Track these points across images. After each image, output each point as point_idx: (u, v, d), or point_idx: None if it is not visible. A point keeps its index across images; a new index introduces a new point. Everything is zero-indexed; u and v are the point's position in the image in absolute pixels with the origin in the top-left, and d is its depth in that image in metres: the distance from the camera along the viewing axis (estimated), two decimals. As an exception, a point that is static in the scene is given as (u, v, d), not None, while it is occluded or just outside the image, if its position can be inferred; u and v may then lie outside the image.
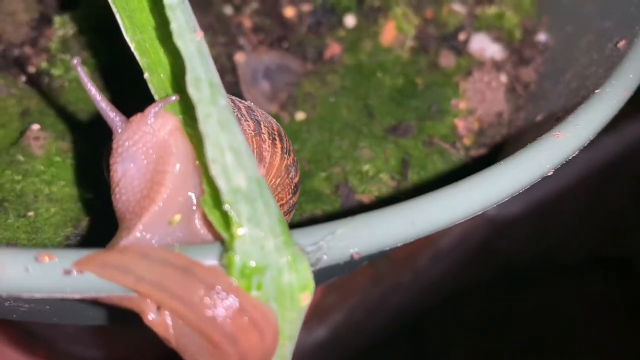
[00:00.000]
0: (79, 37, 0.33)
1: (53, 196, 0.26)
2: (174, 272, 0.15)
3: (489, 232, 0.87)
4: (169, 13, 0.16)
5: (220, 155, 0.15)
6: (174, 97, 0.17)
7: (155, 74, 0.18)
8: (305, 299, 0.16)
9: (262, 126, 0.21)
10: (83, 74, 0.18)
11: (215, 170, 0.15)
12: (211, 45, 0.35)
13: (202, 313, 0.15)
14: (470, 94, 0.33)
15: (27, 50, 0.33)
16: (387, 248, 0.18)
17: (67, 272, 0.15)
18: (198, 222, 0.17)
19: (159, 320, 0.16)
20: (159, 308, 0.16)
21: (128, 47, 0.19)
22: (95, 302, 0.17)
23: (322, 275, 0.24)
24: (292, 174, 0.22)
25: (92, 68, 0.32)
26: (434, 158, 0.30)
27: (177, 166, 0.17)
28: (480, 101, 0.33)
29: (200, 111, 0.16)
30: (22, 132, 0.28)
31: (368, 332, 0.85)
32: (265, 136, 0.21)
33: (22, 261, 0.15)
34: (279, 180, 0.21)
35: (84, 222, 0.26)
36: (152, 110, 0.17)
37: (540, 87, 0.35)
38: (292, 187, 0.23)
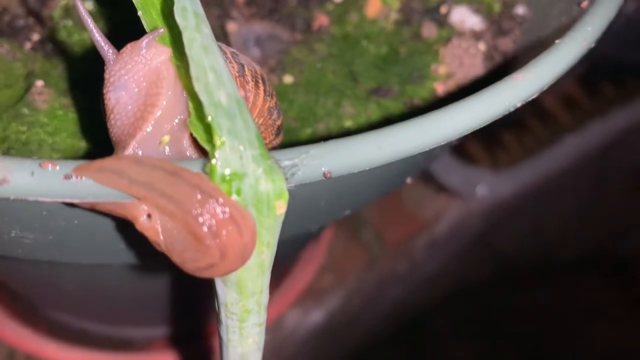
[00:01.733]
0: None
1: (56, 146, 0.28)
2: (164, 174, 0.17)
3: (484, 225, 0.88)
4: (159, -48, 0.18)
5: (203, 75, 0.17)
6: (162, 30, 0.19)
7: (147, 12, 0.20)
8: (280, 207, 0.18)
9: (245, 69, 0.23)
10: (81, 8, 0.20)
11: (198, 87, 0.17)
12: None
13: (187, 209, 0.17)
14: (449, 59, 0.35)
15: (31, 20, 0.35)
16: (357, 170, 0.20)
17: (67, 177, 0.17)
18: (185, 143, 0.19)
19: (150, 225, 0.18)
20: (149, 215, 0.18)
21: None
22: (93, 210, 0.19)
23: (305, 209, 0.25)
24: (275, 116, 0.24)
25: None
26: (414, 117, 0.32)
27: (169, 90, 0.19)
28: (458, 66, 0.35)
29: (186, 37, 0.18)
30: (27, 89, 0.30)
31: (366, 326, 0.87)
32: (249, 78, 0.23)
33: (28, 167, 0.17)
34: (262, 120, 0.23)
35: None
36: (144, 40, 0.19)
37: (517, 56, 0.37)
38: (275, 129, 0.25)
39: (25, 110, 0.29)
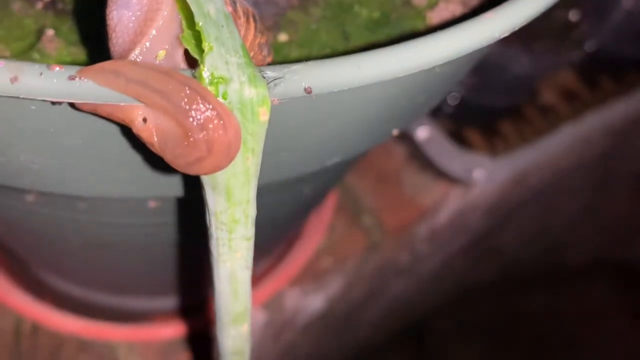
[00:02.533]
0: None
1: (63, 89, 0.30)
2: (157, 74, 0.19)
3: (487, 222, 0.89)
4: None
5: (194, -10, 0.19)
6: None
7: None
8: (264, 114, 0.20)
9: (238, 6, 0.25)
10: None
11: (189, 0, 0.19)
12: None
13: (177, 103, 0.19)
14: (435, 21, 0.37)
15: (44, -17, 0.37)
16: (337, 89, 0.22)
17: (72, 78, 0.19)
18: (179, 59, 0.21)
19: (145, 127, 0.20)
20: (144, 120, 0.20)
21: None
22: (94, 114, 0.21)
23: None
24: (265, 52, 0.26)
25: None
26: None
27: (167, 6, 0.21)
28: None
29: (179, -42, 0.20)
30: (38, 38, 0.33)
31: (368, 320, 0.88)
32: (240, 13, 0.25)
33: (37, 69, 0.19)
34: (252, 54, 0.25)
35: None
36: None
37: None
38: (265, 65, 0.27)
39: (36, 56, 0.31)
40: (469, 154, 0.74)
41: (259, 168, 0.22)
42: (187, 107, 0.19)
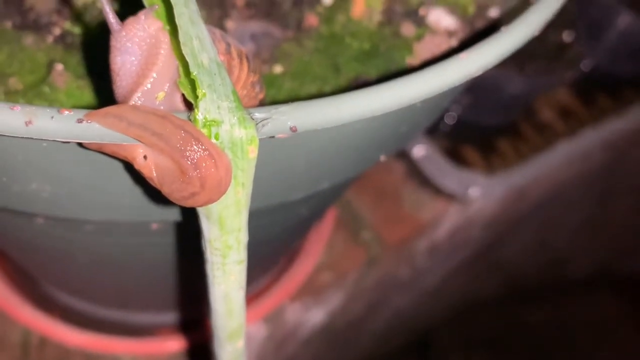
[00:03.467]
0: (96, 3, 0.40)
1: (72, 120, 0.33)
2: (155, 118, 0.21)
3: (488, 237, 0.90)
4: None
5: (189, 41, 0.22)
6: (157, 6, 0.23)
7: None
8: (252, 151, 0.22)
9: (232, 48, 0.27)
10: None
11: (185, 51, 0.22)
12: (207, 18, 0.42)
13: (174, 145, 0.21)
14: (422, 53, 0.39)
15: (54, 17, 0.40)
16: (320, 127, 0.24)
17: (80, 121, 0.21)
18: (177, 101, 0.23)
19: (145, 164, 0.22)
20: (145, 157, 0.22)
21: None
22: (102, 153, 0.23)
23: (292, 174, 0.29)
24: (257, 89, 0.28)
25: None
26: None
27: (165, 51, 0.23)
28: (430, 59, 0.39)
29: (176, 11, 0.22)
30: (50, 74, 0.35)
31: (369, 333, 0.89)
32: (234, 55, 0.27)
33: (49, 113, 0.21)
34: (245, 92, 0.28)
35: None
36: (143, 13, 0.23)
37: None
38: (258, 102, 0.29)
39: (46, 89, 0.34)
40: (465, 171, 0.76)
41: (249, 199, 0.24)
42: (183, 148, 0.21)
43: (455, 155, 0.79)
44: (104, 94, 0.34)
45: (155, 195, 0.27)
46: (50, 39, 0.38)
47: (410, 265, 0.80)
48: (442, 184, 0.77)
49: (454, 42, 0.40)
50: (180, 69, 0.23)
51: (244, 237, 0.25)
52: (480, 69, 0.27)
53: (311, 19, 0.42)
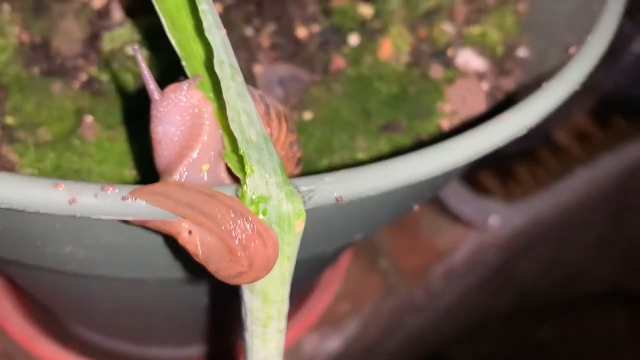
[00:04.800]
0: (124, 50, 0.39)
1: (103, 174, 0.32)
2: (203, 197, 0.20)
3: (502, 258, 0.89)
4: (202, 16, 0.22)
5: (237, 116, 0.21)
6: (201, 77, 0.23)
7: (190, 62, 0.24)
8: (299, 226, 0.22)
9: (271, 109, 0.27)
10: (140, 56, 0.24)
11: (233, 127, 0.21)
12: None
13: (222, 225, 0.20)
14: (453, 98, 0.39)
15: (80, 62, 0.40)
16: (365, 195, 0.24)
17: (125, 199, 0.21)
18: (221, 171, 0.23)
19: (191, 239, 0.21)
20: (190, 232, 0.22)
21: (170, 44, 0.25)
22: (144, 228, 0.22)
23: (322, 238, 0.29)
24: (296, 149, 0.28)
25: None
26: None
27: (210, 122, 0.22)
28: (462, 104, 0.38)
29: (224, 85, 0.21)
30: (78, 124, 0.34)
31: (384, 356, 0.88)
32: (274, 116, 0.26)
33: (92, 190, 0.21)
34: (284, 152, 0.27)
35: (128, 195, 0.32)
36: (186, 83, 0.23)
37: (518, 95, 0.41)
38: (296, 161, 0.28)
39: (77, 142, 0.33)
40: (483, 199, 0.76)
41: (293, 270, 0.23)
42: (231, 228, 0.20)
43: (472, 182, 0.79)
44: (135, 146, 0.34)
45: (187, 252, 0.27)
46: (77, 85, 0.38)
47: (426, 289, 0.80)
48: (461, 212, 0.76)
49: (485, 86, 0.40)
50: (226, 140, 0.23)
51: (285, 307, 0.24)
52: (524, 129, 0.27)
53: (338, 62, 0.42)
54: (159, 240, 0.26)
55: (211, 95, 0.23)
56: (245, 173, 0.21)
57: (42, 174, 0.32)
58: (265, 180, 0.21)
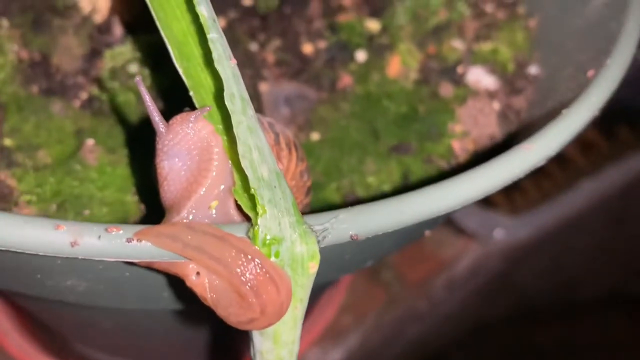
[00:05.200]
0: (125, 68, 0.38)
1: (105, 200, 0.31)
2: (213, 239, 0.19)
3: (503, 265, 0.89)
4: (211, 45, 0.21)
5: (248, 152, 0.20)
6: (208, 107, 0.22)
7: (198, 92, 0.23)
8: (313, 267, 0.21)
9: (280, 138, 0.26)
10: (142, 86, 0.23)
11: (244, 164, 0.20)
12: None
13: (233, 270, 0.19)
14: (465, 118, 0.37)
15: (80, 79, 0.38)
16: (381, 232, 0.23)
17: (129, 241, 0.20)
18: (230, 207, 0.22)
19: (198, 282, 0.20)
20: (198, 273, 0.21)
21: (175, 72, 0.24)
22: (149, 268, 0.21)
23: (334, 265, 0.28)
24: (305, 178, 0.27)
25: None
26: (432, 173, 0.35)
27: (219, 157, 0.21)
28: (473, 125, 0.37)
29: (234, 119, 0.20)
30: (79, 147, 0.33)
31: (384, 361, 0.87)
32: (283, 145, 0.25)
33: (95, 231, 0.20)
34: (294, 182, 0.26)
35: (130, 221, 0.30)
36: (193, 114, 0.22)
37: (529, 113, 0.39)
38: (306, 190, 0.27)
39: (77, 167, 0.32)
40: (488, 212, 0.75)
41: (304, 311, 0.22)
42: (242, 273, 0.19)
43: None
44: (137, 170, 0.33)
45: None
46: (77, 103, 0.37)
47: (427, 298, 0.79)
48: (464, 224, 0.75)
49: (496, 105, 0.39)
50: (236, 176, 0.21)
51: (296, 347, 0.23)
52: (545, 159, 0.26)
53: (345, 79, 0.41)
54: (165, 276, 0.25)
55: (220, 127, 0.22)
56: (256, 212, 0.20)
57: (41, 200, 0.31)
58: (277, 221, 0.20)
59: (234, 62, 0.21)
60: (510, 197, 0.81)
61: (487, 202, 0.79)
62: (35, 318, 0.55)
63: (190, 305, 0.29)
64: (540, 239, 0.87)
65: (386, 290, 0.75)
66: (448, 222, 0.79)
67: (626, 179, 0.90)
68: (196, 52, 0.23)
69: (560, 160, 0.87)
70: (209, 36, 0.21)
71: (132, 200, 0.31)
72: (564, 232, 0.90)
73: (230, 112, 0.20)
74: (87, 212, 0.30)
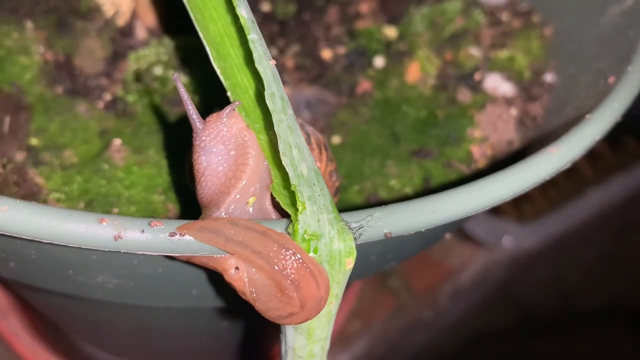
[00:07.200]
0: (150, 70, 0.39)
1: (132, 198, 0.31)
2: (255, 234, 0.20)
3: (508, 274, 0.89)
4: (252, 46, 0.22)
5: (289, 150, 0.21)
6: (238, 102, 0.22)
7: (235, 92, 0.23)
8: (350, 263, 0.21)
9: (312, 138, 0.26)
10: (180, 84, 0.23)
11: (285, 161, 0.20)
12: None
13: (274, 264, 0.20)
14: (483, 124, 0.38)
15: (103, 81, 0.39)
16: (413, 231, 0.23)
17: (172, 235, 0.20)
18: (266, 203, 0.22)
19: (238, 276, 0.21)
20: (237, 268, 0.21)
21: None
22: (187, 263, 0.21)
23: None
24: (334, 178, 0.27)
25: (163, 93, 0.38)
26: (452, 177, 0.35)
27: (254, 150, 0.22)
28: (492, 130, 0.38)
29: (275, 118, 0.21)
30: (105, 147, 0.34)
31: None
32: (314, 146, 0.26)
33: (139, 225, 0.20)
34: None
35: (157, 221, 0.31)
36: (225, 110, 0.22)
37: (546, 120, 0.40)
38: (335, 190, 0.28)
39: (104, 166, 0.32)
40: (496, 219, 0.75)
41: (338, 308, 0.23)
42: (284, 267, 0.19)
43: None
44: (164, 169, 0.33)
45: (224, 282, 0.26)
46: (101, 105, 0.37)
47: (433, 307, 0.79)
48: (473, 232, 0.76)
49: (513, 112, 0.39)
50: (274, 174, 0.22)
51: (328, 344, 0.24)
52: (570, 162, 0.26)
53: (364, 84, 0.41)
54: (198, 271, 0.25)
55: (257, 126, 0.23)
56: (296, 209, 0.20)
57: (69, 198, 0.31)
58: (317, 217, 0.20)
59: (273, 62, 0.22)
60: (518, 205, 0.82)
61: (495, 210, 0.80)
62: (45, 318, 0.55)
63: (217, 303, 0.30)
64: (546, 246, 0.87)
65: (394, 298, 0.75)
66: (456, 230, 0.80)
67: (632, 189, 0.90)
68: (232, 53, 0.23)
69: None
70: (249, 37, 0.21)
71: (158, 200, 0.32)
72: (570, 241, 0.91)
73: (271, 111, 0.21)
74: (115, 210, 0.31)
